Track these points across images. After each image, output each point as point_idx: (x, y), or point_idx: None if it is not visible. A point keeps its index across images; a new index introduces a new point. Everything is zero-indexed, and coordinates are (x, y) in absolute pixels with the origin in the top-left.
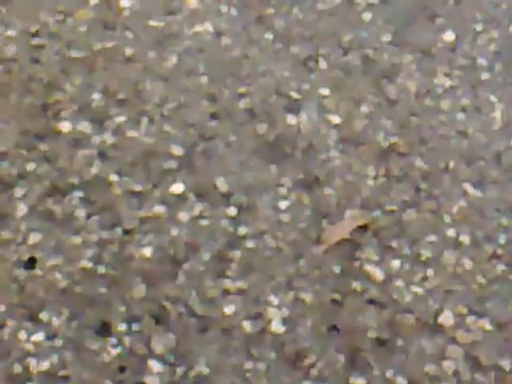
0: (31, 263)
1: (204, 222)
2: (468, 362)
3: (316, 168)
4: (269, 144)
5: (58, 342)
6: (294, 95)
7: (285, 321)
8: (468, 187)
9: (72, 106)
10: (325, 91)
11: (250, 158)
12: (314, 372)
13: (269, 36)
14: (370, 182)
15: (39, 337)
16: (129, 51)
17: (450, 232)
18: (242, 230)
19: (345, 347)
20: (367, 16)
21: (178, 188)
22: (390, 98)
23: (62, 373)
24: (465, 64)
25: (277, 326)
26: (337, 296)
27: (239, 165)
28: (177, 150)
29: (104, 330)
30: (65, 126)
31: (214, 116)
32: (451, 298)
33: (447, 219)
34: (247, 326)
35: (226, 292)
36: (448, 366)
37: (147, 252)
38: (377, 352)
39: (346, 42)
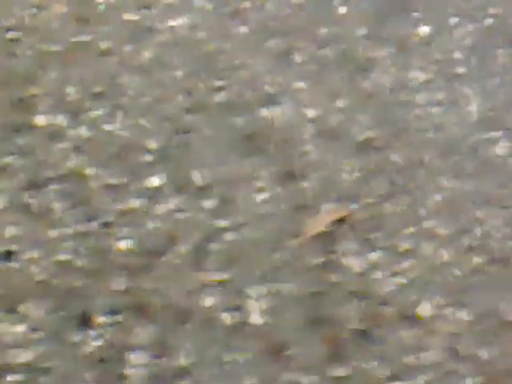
0: (8, 256)
1: (182, 215)
2: (447, 353)
3: (292, 162)
4: (245, 137)
5: (39, 335)
6: (270, 89)
7: (264, 313)
8: (444, 180)
9: (48, 100)
10: (300, 85)
11: (226, 151)
12: (294, 363)
13: (244, 30)
14: (347, 176)
15: (19, 329)
16: (104, 45)
17: (427, 224)
18: (221, 223)
19: (325, 339)
20: (342, 10)
21: (154, 181)
22: (366, 92)
23: (42, 365)
24: (440, 58)
25: (256, 318)
26: (316, 288)
27: (215, 158)
28: (153, 144)
29: (84, 322)
30: (40, 120)
31: (189, 110)
32: (430, 290)
33: (423, 212)
34: (227, 317)
35: (205, 284)
36: (427, 356)
37: (125, 245)
38: (357, 343)
39: (321, 36)
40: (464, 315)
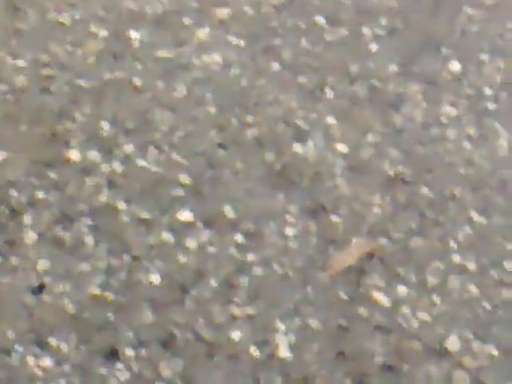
0: (40, 289)
1: (212, 249)
2: None
3: (323, 196)
4: (276, 172)
5: (67, 367)
6: (301, 124)
7: (292, 346)
8: (474, 214)
9: (81, 135)
10: (332, 120)
11: (257, 185)
12: None
13: (276, 66)
14: (377, 210)
15: (47, 362)
16: (138, 81)
17: (456, 258)
18: (250, 257)
19: (351, 373)
20: (374, 47)
21: (185, 215)
22: (397, 127)
23: None
24: (470, 93)
25: (284, 352)
26: (343, 322)
27: (247, 192)
28: (185, 179)
29: (112, 355)
30: (74, 155)
31: (221, 145)
32: (457, 324)
33: (453, 246)
34: (254, 351)
35: (234, 318)
36: None
37: (155, 278)
38: (383, 377)
39: (352, 72)
40: (492, 349)
